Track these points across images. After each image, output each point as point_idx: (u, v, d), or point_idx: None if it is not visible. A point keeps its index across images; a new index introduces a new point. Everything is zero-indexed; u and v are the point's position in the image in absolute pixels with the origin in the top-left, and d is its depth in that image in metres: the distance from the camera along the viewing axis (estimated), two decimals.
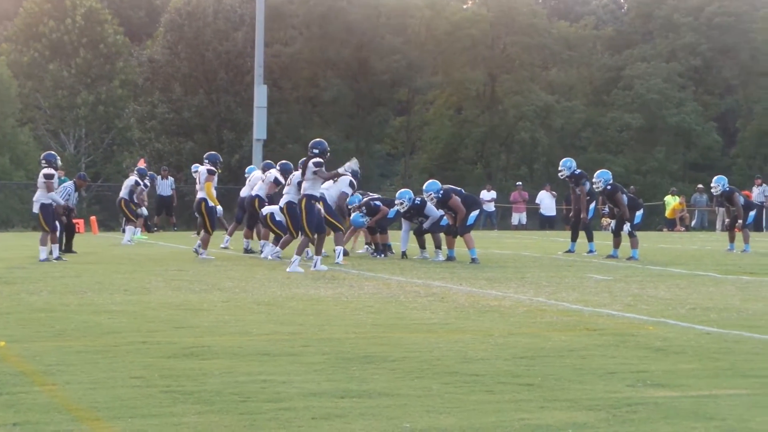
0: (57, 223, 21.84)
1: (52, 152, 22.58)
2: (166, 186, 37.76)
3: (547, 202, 45.61)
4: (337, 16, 58.82)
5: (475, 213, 21.71)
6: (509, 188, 51.38)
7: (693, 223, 46.44)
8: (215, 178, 22.75)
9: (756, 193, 40.26)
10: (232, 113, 55.71)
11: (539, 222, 46.11)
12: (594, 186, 23.24)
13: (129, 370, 8.96)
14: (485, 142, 63.85)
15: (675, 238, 34.97)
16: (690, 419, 7.34)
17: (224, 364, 9.29)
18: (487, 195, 46.40)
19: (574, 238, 24.59)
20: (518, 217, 46.49)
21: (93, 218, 37.61)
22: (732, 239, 25.83)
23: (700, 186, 48.52)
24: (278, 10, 57.14)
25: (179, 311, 13.00)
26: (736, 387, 8.54)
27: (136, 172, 30.53)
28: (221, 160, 24.28)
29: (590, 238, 24.40)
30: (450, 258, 21.61)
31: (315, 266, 19.08)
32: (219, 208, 22.87)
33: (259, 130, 43.74)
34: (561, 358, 9.72)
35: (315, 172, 19.48)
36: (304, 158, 20.12)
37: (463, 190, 22.19)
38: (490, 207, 46.33)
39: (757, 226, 39.70)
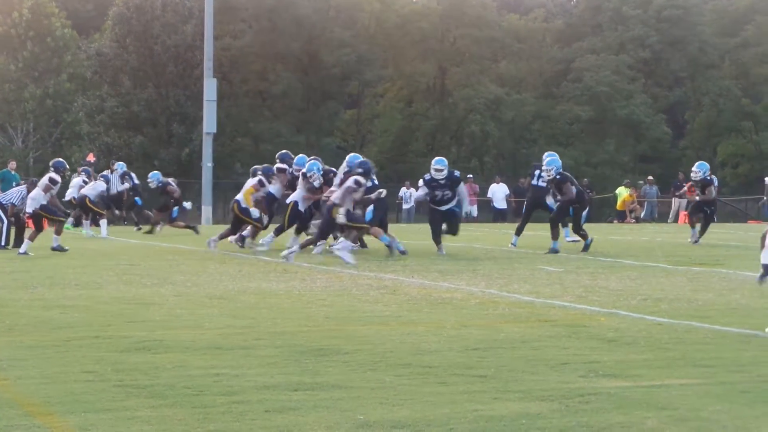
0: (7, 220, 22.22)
1: (62, 160, 23.09)
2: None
3: (499, 195, 45.78)
4: (286, 10, 58.69)
5: (370, 208, 21.51)
6: None
7: (643, 214, 46.72)
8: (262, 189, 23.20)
9: None
10: (181, 107, 55.47)
11: (492, 215, 46.24)
12: (545, 174, 23.06)
13: (81, 364, 8.91)
14: (435, 135, 63.95)
15: (626, 229, 35.17)
16: (642, 409, 7.39)
17: (177, 357, 9.25)
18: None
19: (555, 236, 24.05)
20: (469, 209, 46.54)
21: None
22: (693, 225, 25.71)
23: (650, 178, 48.84)
24: (227, 3, 56.95)
25: (131, 305, 12.94)
26: (688, 376, 8.59)
27: (83, 173, 30.46)
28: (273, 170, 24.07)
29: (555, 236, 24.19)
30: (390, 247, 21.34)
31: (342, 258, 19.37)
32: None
33: (209, 123, 43.60)
34: (513, 350, 9.75)
35: (353, 190, 19.76)
36: (347, 171, 21.06)
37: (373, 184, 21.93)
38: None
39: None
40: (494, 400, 7.63)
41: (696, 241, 25.22)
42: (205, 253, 22.10)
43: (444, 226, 22.04)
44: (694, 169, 25.93)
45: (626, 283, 15.86)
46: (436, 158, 22.84)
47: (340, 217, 19.66)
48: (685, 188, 33.37)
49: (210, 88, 43.67)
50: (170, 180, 31.50)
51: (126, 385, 8.11)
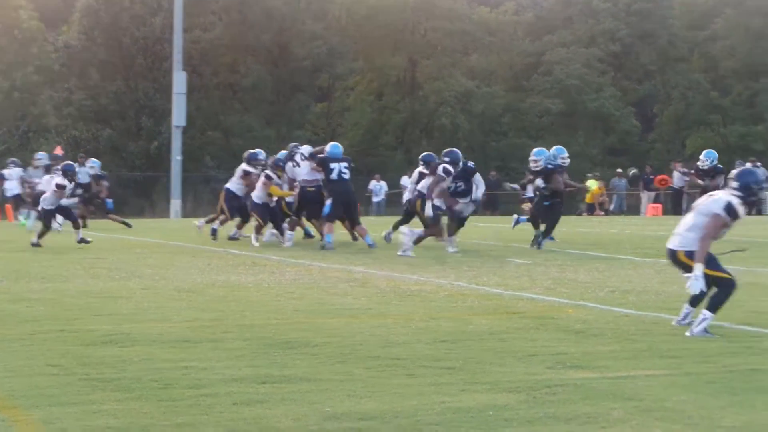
0: None
1: (71, 164, 22.88)
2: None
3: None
4: (257, 2, 58.51)
5: (329, 202, 21.43)
6: None
7: (612, 207, 46.87)
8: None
9: (676, 177, 40.67)
10: (150, 100, 55.21)
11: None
12: (532, 164, 22.18)
13: (47, 358, 8.87)
14: (406, 128, 63.94)
15: (594, 222, 35.27)
16: (609, 400, 7.42)
17: (144, 351, 9.22)
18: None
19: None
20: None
21: (8, 206, 37.10)
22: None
23: (619, 170, 49.00)
24: None
25: (98, 299, 12.90)
26: (654, 368, 8.63)
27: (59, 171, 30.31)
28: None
29: (537, 226, 24.07)
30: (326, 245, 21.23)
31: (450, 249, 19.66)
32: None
33: (178, 116, 43.46)
34: (481, 342, 9.77)
35: (441, 179, 20.00)
36: (439, 161, 20.69)
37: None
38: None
39: (676, 209, 40.24)
40: (462, 392, 7.64)
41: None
42: (174, 246, 22.01)
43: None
44: (702, 158, 25.15)
45: (594, 275, 15.91)
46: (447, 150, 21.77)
47: (428, 210, 19.86)
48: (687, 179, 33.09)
49: (179, 80, 43.53)
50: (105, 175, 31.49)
51: (92, 378, 8.08)
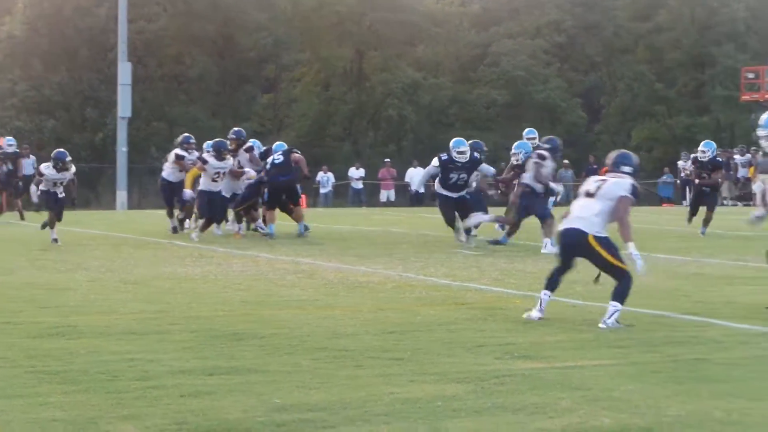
0: None
1: (62, 151, 21.79)
2: (28, 165, 37.05)
3: (416, 179, 45.88)
4: None
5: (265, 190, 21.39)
6: (377, 165, 51.46)
7: (559, 198, 47.04)
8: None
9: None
10: (95, 91, 54.77)
11: (408, 199, 46.33)
12: (513, 159, 21.34)
13: None
14: (353, 120, 63.86)
15: None
16: (556, 389, 7.45)
17: (91, 343, 9.17)
18: (355, 173, 46.58)
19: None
20: (386, 194, 46.69)
21: None
22: (691, 219, 23.71)
23: (566, 162, 49.20)
24: None
25: (44, 291, 12.80)
26: (601, 357, 8.68)
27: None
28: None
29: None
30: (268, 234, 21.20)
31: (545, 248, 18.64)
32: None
33: (124, 107, 43.20)
34: (430, 332, 9.79)
35: (540, 166, 19.43)
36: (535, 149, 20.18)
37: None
38: (359, 185, 46.56)
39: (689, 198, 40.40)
40: (410, 383, 7.65)
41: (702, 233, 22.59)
42: (120, 238, 21.85)
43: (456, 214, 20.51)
44: (702, 149, 23.47)
45: (542, 265, 15.93)
46: (456, 139, 21.19)
47: (556, 187, 19.76)
48: (689, 170, 31.82)
49: (124, 71, 43.26)
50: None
51: (38, 371, 8.02)
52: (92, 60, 55.23)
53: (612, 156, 11.02)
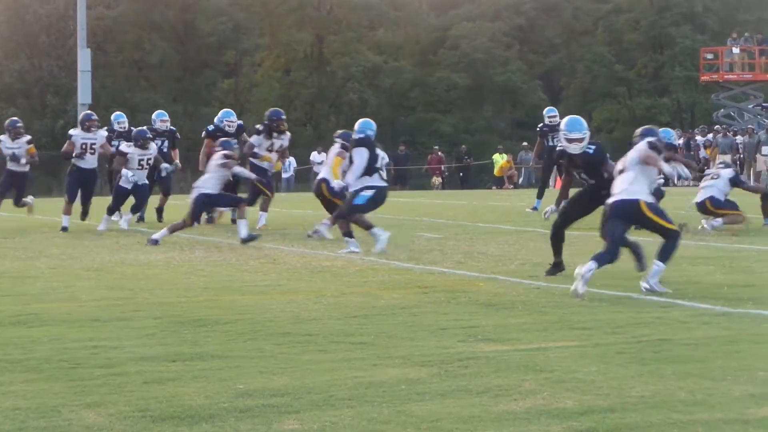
0: None
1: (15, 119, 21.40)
2: None
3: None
4: None
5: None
6: None
7: (521, 180, 47.20)
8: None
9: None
10: (55, 78, 54.52)
11: None
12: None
13: None
14: (314, 104, 63.80)
15: (504, 195, 35.47)
16: (520, 372, 7.47)
17: (53, 331, 9.12)
18: (318, 157, 46.38)
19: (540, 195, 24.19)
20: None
21: None
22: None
23: (525, 144, 49.31)
24: None
25: (4, 279, 12.73)
26: (565, 339, 8.71)
27: None
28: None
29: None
30: None
31: None
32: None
33: (84, 94, 42.87)
34: (393, 316, 9.79)
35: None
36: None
37: None
38: (321, 169, 46.40)
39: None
40: (374, 367, 7.65)
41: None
42: (82, 225, 21.70)
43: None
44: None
45: (504, 248, 16.00)
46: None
47: (683, 171, 19.44)
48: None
49: (84, 58, 42.95)
50: None
51: (0, 360, 7.97)
52: (52, 47, 54.95)
53: (638, 131, 12.52)
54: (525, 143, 49.09)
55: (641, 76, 66.12)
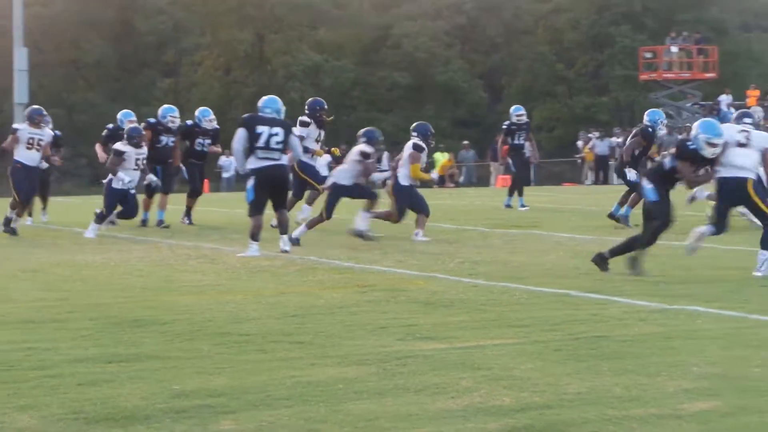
0: None
1: None
2: None
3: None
4: None
5: None
6: None
7: (462, 179, 47.33)
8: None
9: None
10: None
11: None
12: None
13: None
14: (255, 103, 63.33)
15: (445, 194, 35.56)
16: (458, 370, 7.47)
17: None
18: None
19: (521, 193, 24.55)
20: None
21: None
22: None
23: (465, 142, 49.46)
24: None
25: None
26: (503, 337, 8.73)
27: None
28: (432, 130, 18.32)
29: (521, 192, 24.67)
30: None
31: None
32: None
33: (20, 93, 42.48)
34: (332, 315, 9.77)
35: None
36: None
37: None
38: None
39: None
40: (312, 366, 7.63)
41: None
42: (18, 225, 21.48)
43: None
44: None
45: (444, 246, 16.03)
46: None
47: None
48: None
49: (20, 57, 42.56)
50: None
51: None
52: None
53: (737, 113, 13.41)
54: (466, 142, 49.24)
55: (581, 75, 66.49)
